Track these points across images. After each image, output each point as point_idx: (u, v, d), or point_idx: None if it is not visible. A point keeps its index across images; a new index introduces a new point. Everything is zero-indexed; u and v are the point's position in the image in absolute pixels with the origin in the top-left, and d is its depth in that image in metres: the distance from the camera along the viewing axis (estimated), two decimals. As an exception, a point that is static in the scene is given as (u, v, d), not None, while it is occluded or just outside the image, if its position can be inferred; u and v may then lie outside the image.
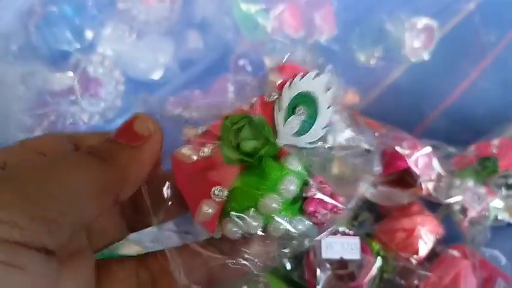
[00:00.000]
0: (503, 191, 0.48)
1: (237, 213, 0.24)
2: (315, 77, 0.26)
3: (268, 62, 0.61)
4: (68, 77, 0.56)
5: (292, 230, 0.25)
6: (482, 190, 0.47)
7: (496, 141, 0.51)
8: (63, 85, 0.56)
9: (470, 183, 0.48)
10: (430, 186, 0.46)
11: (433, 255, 0.46)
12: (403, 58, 0.65)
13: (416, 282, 0.43)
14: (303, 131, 0.25)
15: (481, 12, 0.68)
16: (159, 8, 0.63)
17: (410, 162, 0.45)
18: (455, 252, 0.45)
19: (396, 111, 0.61)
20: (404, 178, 0.47)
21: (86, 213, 0.21)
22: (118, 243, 0.34)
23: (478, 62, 0.66)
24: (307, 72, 0.26)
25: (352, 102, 0.59)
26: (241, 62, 0.62)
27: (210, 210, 0.24)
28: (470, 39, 0.67)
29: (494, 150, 0.50)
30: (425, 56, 0.65)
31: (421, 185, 0.46)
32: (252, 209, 0.24)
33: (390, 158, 0.46)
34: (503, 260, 0.47)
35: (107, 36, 0.61)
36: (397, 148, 0.45)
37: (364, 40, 0.67)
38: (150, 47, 0.63)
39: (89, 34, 0.61)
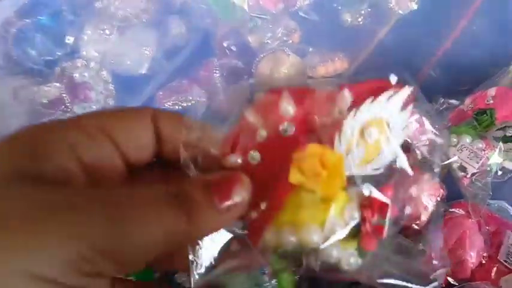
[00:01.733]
0: (501, 145, 0.46)
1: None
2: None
3: (252, 40, 0.60)
4: (56, 88, 0.56)
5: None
6: (480, 145, 0.46)
7: (492, 91, 0.49)
8: (52, 96, 0.56)
9: (467, 139, 0.47)
10: (425, 150, 0.45)
11: (437, 216, 0.45)
12: (391, 11, 0.62)
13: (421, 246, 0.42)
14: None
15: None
16: (135, 0, 0.62)
17: None
18: (458, 211, 0.44)
19: (388, 69, 0.59)
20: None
21: (148, 258, 0.22)
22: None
23: (468, 5, 0.63)
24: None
25: (341, 69, 0.58)
26: (225, 44, 0.61)
27: None
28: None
29: (491, 101, 0.48)
30: (414, 5, 0.62)
31: (415, 151, 0.45)
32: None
33: None
34: (510, 210, 0.47)
35: (88, 38, 0.61)
36: None
37: (349, -1, 0.64)
38: (133, 41, 0.62)
39: (69, 39, 0.61)
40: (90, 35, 0.61)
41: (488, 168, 0.46)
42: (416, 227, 0.44)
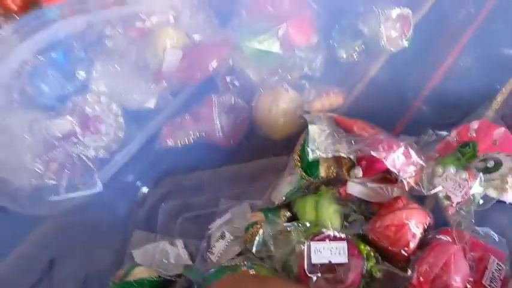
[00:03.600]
0: (481, 175, 0.50)
1: None
2: None
3: (252, 75, 0.64)
4: (68, 121, 0.60)
5: None
6: (463, 176, 0.50)
7: (475, 125, 0.53)
8: (65, 129, 0.60)
9: (451, 170, 0.50)
10: (412, 181, 0.49)
11: (424, 242, 0.49)
12: (383, 49, 0.67)
13: (409, 273, 0.46)
14: None
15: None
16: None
17: (388, 164, 0.48)
18: (444, 238, 0.48)
19: (381, 104, 0.63)
20: (387, 177, 0.50)
21: None
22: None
23: (457, 41, 0.67)
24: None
25: (336, 105, 0.62)
26: (228, 79, 0.65)
27: None
28: (447, 18, 0.69)
29: (473, 134, 0.52)
30: (405, 43, 0.67)
31: (402, 182, 0.49)
32: None
33: (369, 162, 0.49)
34: (496, 237, 0.50)
35: (98, 74, 0.65)
36: (373, 153, 0.48)
37: (344, 36, 0.69)
38: (142, 77, 0.66)
39: (80, 75, 0.64)
40: (100, 71, 0.65)
41: (472, 198, 0.50)
42: (404, 253, 0.48)
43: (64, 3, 0.60)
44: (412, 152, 0.50)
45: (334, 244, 0.48)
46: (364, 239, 0.50)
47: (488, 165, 0.50)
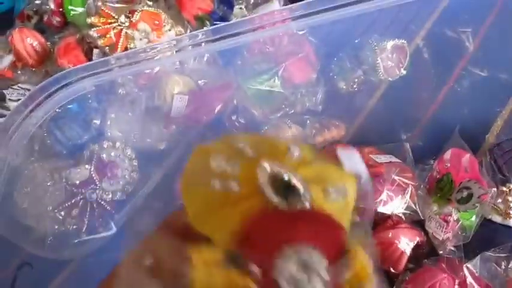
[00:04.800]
0: (460, 206, 0.51)
1: None
2: None
3: (257, 113, 0.67)
4: (85, 169, 0.64)
5: None
6: (447, 210, 0.51)
7: (447, 155, 0.55)
8: (83, 177, 0.64)
9: (434, 208, 0.52)
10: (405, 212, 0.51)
11: (417, 261, 0.51)
12: (382, 79, 0.69)
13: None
14: None
15: (446, 18, 0.71)
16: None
17: (379, 209, 0.50)
18: (436, 264, 0.49)
19: (382, 133, 0.65)
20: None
21: None
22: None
23: (453, 67, 0.69)
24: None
25: (338, 137, 0.64)
26: (233, 118, 0.68)
27: None
28: (443, 45, 0.71)
29: (448, 165, 0.54)
30: (403, 72, 0.69)
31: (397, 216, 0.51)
32: None
33: (360, 208, 0.51)
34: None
35: (112, 121, 0.69)
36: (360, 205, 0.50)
37: (343, 68, 0.71)
38: (153, 121, 0.70)
39: (96, 123, 0.69)
40: (113, 118, 0.69)
41: (463, 230, 0.52)
42: (393, 270, 0.50)
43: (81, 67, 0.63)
44: (398, 180, 0.52)
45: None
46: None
47: (463, 195, 0.52)
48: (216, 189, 0.27)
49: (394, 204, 0.51)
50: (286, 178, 0.27)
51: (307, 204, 0.27)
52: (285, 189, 0.27)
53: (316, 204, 0.27)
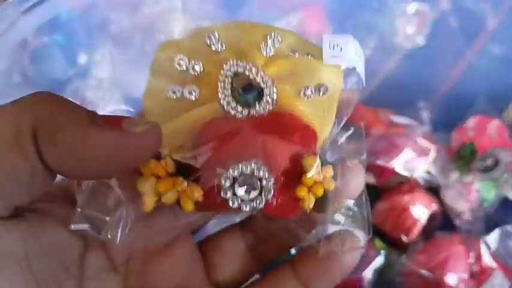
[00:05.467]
0: (481, 176, 0.47)
1: None
2: None
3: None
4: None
5: None
6: (467, 179, 0.47)
7: (471, 123, 0.51)
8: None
9: (453, 177, 0.48)
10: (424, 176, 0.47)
11: (429, 233, 0.47)
12: (398, 46, 0.65)
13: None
14: None
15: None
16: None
17: (398, 169, 0.46)
18: (451, 237, 0.45)
19: (395, 101, 0.61)
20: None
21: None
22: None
23: (475, 40, 0.65)
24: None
25: (350, 97, 0.60)
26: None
27: None
28: (466, 16, 0.67)
29: (471, 134, 0.50)
30: (421, 41, 0.65)
31: (415, 180, 0.47)
32: None
33: (379, 168, 0.47)
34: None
35: (101, 58, 0.62)
36: (379, 162, 0.46)
37: (357, 31, 0.67)
38: (147, 64, 0.63)
39: (82, 59, 0.62)
40: (103, 56, 0.63)
41: (482, 201, 0.48)
42: (405, 239, 0.45)
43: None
44: (420, 141, 0.48)
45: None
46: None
47: (488, 163, 0.48)
48: (173, 97, 0.26)
49: (415, 166, 0.47)
50: (251, 76, 0.24)
51: (269, 107, 0.25)
52: (252, 89, 0.25)
53: (286, 105, 0.25)
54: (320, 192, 0.25)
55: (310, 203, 0.25)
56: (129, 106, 0.62)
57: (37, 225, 0.25)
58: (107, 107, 0.63)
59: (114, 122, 0.23)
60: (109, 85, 0.62)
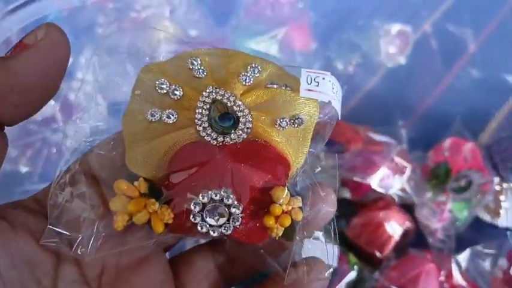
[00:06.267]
0: (454, 195, 0.49)
1: None
2: None
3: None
4: (49, 106, 0.57)
5: None
6: (441, 198, 0.49)
7: (446, 144, 0.53)
8: (45, 114, 0.57)
9: (427, 195, 0.49)
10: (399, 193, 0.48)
11: (402, 249, 0.48)
12: (380, 64, 0.66)
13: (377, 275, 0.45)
14: None
15: (453, 13, 0.70)
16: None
17: (374, 186, 0.47)
18: (423, 254, 0.47)
19: (375, 118, 0.62)
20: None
21: None
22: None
23: (454, 63, 0.68)
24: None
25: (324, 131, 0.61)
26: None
27: None
28: (446, 40, 0.69)
29: (446, 154, 0.51)
30: (402, 61, 0.67)
31: (390, 196, 0.48)
32: None
33: (355, 184, 0.48)
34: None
35: (86, 61, 0.63)
36: (355, 179, 0.47)
37: (342, 48, 0.68)
38: (131, 69, 0.64)
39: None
40: (88, 59, 0.63)
41: (453, 220, 0.49)
42: (379, 255, 0.46)
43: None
44: (396, 160, 0.49)
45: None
46: (344, 238, 0.50)
47: (462, 183, 0.49)
48: (152, 120, 0.27)
49: (390, 183, 0.48)
50: (228, 104, 0.26)
51: (244, 136, 0.26)
52: (229, 117, 0.26)
53: (262, 134, 0.26)
54: (287, 222, 0.25)
55: (278, 231, 0.25)
56: (109, 108, 0.63)
57: (9, 236, 0.25)
58: (91, 110, 0.63)
59: (18, 45, 0.26)
60: (93, 88, 0.62)
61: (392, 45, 0.66)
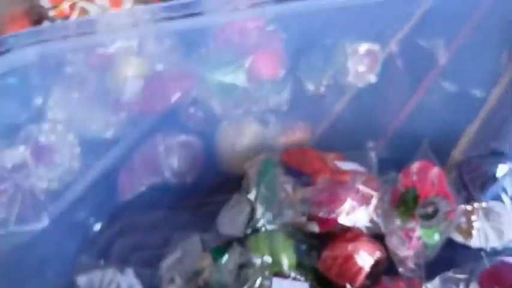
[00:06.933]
0: (424, 222, 0.49)
1: None
2: None
3: (216, 107, 0.63)
4: (20, 152, 0.58)
5: None
6: (410, 225, 0.49)
7: (414, 168, 0.52)
8: (16, 160, 0.58)
9: (396, 223, 0.50)
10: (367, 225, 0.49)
11: (375, 279, 0.48)
12: (350, 84, 0.66)
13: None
14: None
15: (423, 25, 0.70)
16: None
17: (341, 220, 0.48)
18: (393, 282, 0.47)
19: (346, 141, 0.62)
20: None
21: None
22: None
23: (424, 78, 0.68)
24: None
25: (303, 140, 0.61)
26: (191, 110, 0.64)
27: None
28: (416, 54, 0.69)
29: (414, 178, 0.51)
30: (372, 79, 0.67)
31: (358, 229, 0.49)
32: None
33: (322, 218, 0.48)
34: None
35: (55, 101, 0.63)
36: (320, 215, 0.47)
37: (312, 69, 0.68)
38: (101, 106, 0.64)
39: (37, 102, 0.63)
40: (57, 98, 0.63)
41: (424, 247, 0.49)
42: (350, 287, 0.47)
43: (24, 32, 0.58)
44: (363, 189, 0.50)
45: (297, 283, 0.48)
46: (316, 271, 0.50)
47: (428, 211, 0.49)
48: None
49: (357, 215, 0.48)
50: None
51: None
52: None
53: None
54: None
55: None
56: (81, 146, 0.63)
57: None
58: (63, 150, 0.64)
59: None
60: (64, 127, 0.62)
61: (361, 65, 0.66)
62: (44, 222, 0.58)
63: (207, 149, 0.63)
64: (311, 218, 0.50)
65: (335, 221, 0.48)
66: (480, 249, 0.54)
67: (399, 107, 0.66)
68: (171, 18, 0.55)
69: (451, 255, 0.54)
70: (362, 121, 0.65)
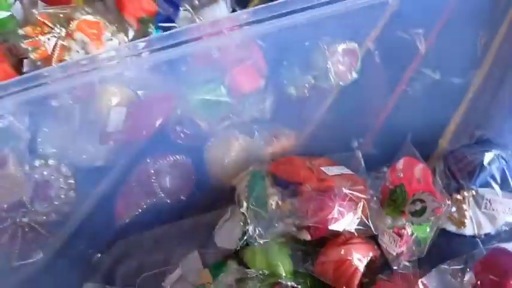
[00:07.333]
0: (414, 219, 0.49)
1: None
2: None
3: (202, 124, 0.64)
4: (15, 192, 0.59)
5: None
6: (400, 223, 0.49)
7: (400, 164, 0.53)
8: (12, 199, 0.59)
9: (387, 221, 0.50)
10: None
11: (372, 276, 0.49)
12: (333, 83, 0.67)
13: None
14: None
15: (398, 20, 0.69)
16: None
17: (332, 227, 0.48)
18: (389, 279, 0.48)
19: (333, 140, 0.63)
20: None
21: None
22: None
23: (405, 70, 0.68)
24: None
25: (289, 147, 0.62)
26: (178, 128, 0.65)
27: None
28: (394, 48, 0.69)
29: (400, 175, 0.52)
30: (354, 76, 0.67)
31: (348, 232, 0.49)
32: None
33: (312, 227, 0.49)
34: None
35: (45, 136, 0.64)
36: (311, 224, 0.48)
37: (293, 72, 0.69)
38: (90, 135, 0.65)
39: (25, 139, 0.64)
40: (46, 133, 0.64)
41: (417, 242, 0.50)
42: None
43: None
44: (350, 194, 0.50)
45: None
46: (312, 277, 0.51)
47: (417, 208, 0.50)
48: None
49: (345, 221, 0.49)
50: None
51: None
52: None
53: None
54: None
55: None
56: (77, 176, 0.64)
57: None
58: (58, 183, 0.65)
59: None
60: (55, 160, 0.63)
61: (341, 63, 0.66)
62: (47, 254, 0.59)
63: (198, 165, 0.64)
64: (302, 227, 0.50)
65: (325, 228, 0.49)
66: (473, 237, 0.55)
67: (383, 101, 0.66)
68: (153, 51, 0.55)
69: (445, 245, 0.54)
70: (347, 120, 0.65)
